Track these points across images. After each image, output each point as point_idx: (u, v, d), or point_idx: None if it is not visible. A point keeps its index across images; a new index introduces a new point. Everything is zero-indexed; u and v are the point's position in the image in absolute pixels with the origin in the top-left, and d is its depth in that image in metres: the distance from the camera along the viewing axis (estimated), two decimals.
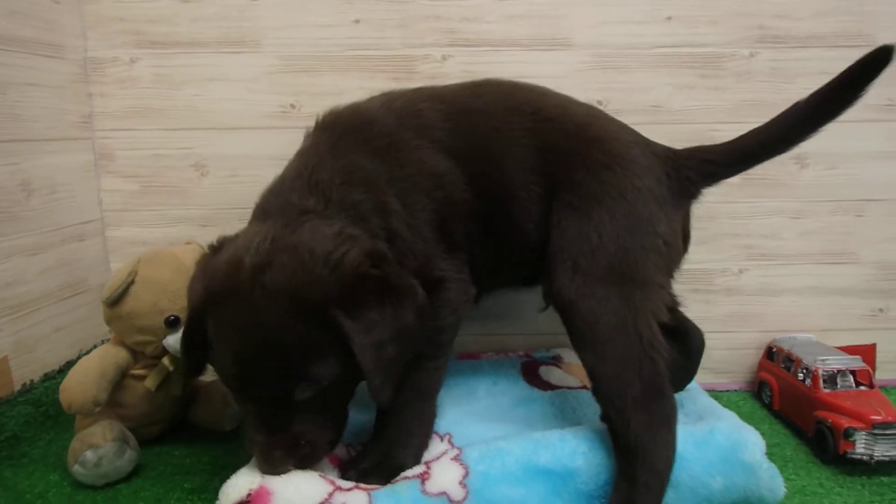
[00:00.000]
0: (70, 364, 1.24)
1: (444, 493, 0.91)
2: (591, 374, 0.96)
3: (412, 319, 0.88)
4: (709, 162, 1.04)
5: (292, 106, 1.38)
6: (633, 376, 0.91)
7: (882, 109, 1.40)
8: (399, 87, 1.34)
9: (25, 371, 1.21)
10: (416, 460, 0.99)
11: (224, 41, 1.36)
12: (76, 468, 1.03)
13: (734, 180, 1.37)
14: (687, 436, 0.95)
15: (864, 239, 1.44)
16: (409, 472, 0.97)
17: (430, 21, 1.37)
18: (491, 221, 1.06)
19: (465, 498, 0.90)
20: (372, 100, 1.10)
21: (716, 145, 1.06)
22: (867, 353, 1.44)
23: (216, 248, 0.93)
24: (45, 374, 1.24)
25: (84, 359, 1.12)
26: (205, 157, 1.40)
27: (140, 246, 1.40)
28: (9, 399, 1.15)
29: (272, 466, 0.87)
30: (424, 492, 0.91)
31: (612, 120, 1.10)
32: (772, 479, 0.94)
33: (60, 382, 1.09)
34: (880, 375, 1.45)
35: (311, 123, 1.06)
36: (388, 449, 0.99)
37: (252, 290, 0.83)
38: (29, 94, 1.22)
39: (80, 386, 1.07)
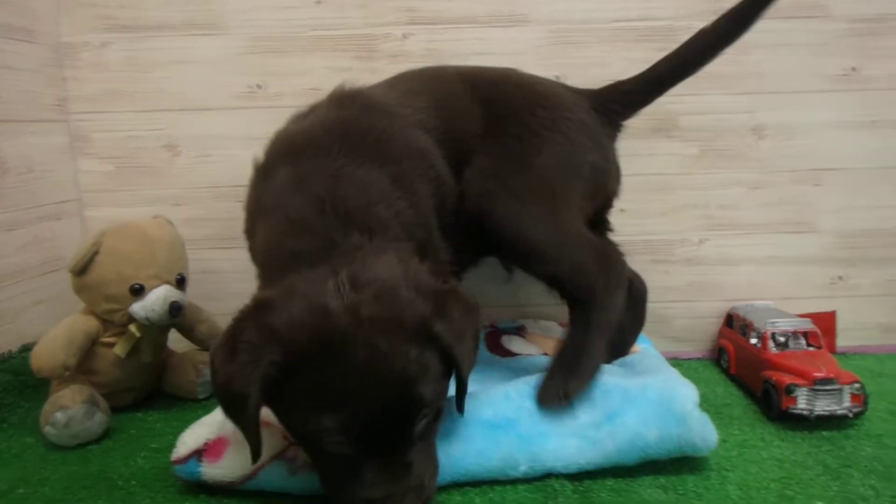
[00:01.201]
0: None
1: None
2: (553, 278, 1.13)
3: (479, 325, 0.98)
4: (629, 92, 1.23)
5: (259, 86, 1.47)
6: (587, 258, 1.12)
7: (839, 80, 1.48)
8: (362, 66, 1.44)
9: (4, 341, 1.31)
10: None
11: (191, 24, 1.46)
12: (47, 429, 1.12)
13: (693, 152, 1.45)
14: (623, 393, 1.05)
15: (823, 208, 1.52)
16: None
17: (390, 0, 1.45)
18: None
19: None
20: (338, 107, 1.08)
21: (632, 77, 1.24)
22: (827, 320, 1.53)
23: (264, 309, 0.85)
24: (24, 345, 1.35)
25: (54, 327, 1.22)
26: (176, 138, 1.50)
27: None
28: None
29: None
30: None
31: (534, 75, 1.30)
32: (703, 428, 1.01)
33: None
34: (841, 342, 1.54)
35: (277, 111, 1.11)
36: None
37: (356, 329, 0.81)
38: (4, 77, 1.32)
39: (49, 351, 1.17)
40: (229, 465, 0.96)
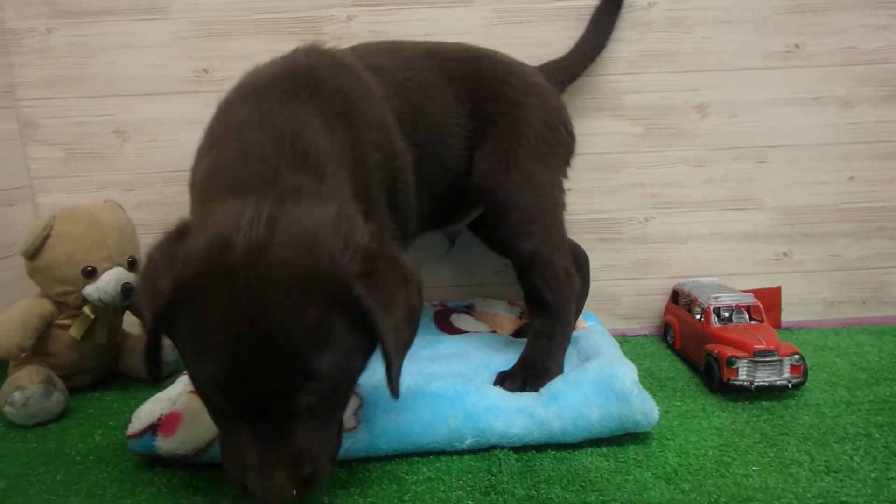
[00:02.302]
0: None
1: None
2: (530, 261, 1.17)
3: (419, 301, 0.85)
4: (570, 66, 1.39)
5: (205, 70, 1.44)
6: (563, 257, 1.20)
7: (781, 56, 1.46)
8: None
9: None
10: None
11: (135, 8, 1.42)
12: (6, 409, 1.13)
13: (638, 130, 1.47)
14: (567, 379, 1.06)
15: (767, 185, 1.50)
16: None
17: None
18: (422, 166, 1.13)
19: (355, 427, 0.98)
20: (307, 55, 1.05)
21: (567, 55, 1.40)
22: (772, 295, 1.51)
23: (178, 235, 0.79)
24: None
25: (9, 310, 1.21)
26: (125, 124, 1.46)
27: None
28: None
29: (274, 492, 0.74)
30: None
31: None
32: (644, 404, 1.01)
33: None
34: (786, 318, 1.53)
35: (237, 83, 1.01)
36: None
37: (252, 272, 0.72)
38: None
39: (5, 333, 1.18)
40: (183, 439, 0.97)
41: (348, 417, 0.98)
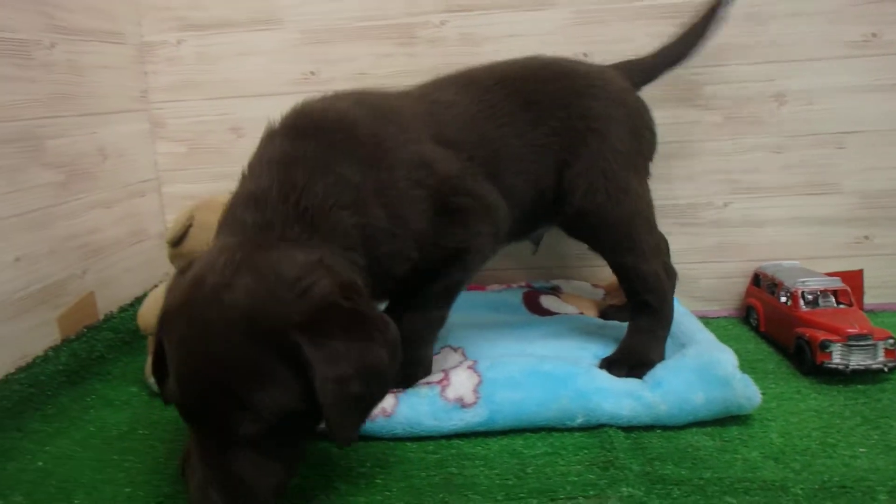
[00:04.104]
0: (139, 299, 1.43)
1: (459, 399, 1.02)
2: (634, 276, 1.20)
3: (383, 357, 0.81)
4: (649, 68, 1.38)
5: (312, 73, 1.54)
6: (659, 260, 1.23)
7: (859, 46, 1.43)
8: (403, 51, 1.51)
9: (106, 304, 1.41)
10: (428, 370, 1.09)
11: (252, 20, 1.52)
12: (152, 380, 1.20)
13: (716, 119, 1.54)
14: (668, 366, 1.09)
15: (846, 170, 1.48)
16: (430, 378, 1.08)
17: None
18: (505, 192, 1.14)
19: (475, 402, 1.01)
20: (341, 99, 1.07)
21: (647, 56, 1.38)
22: (854, 278, 1.48)
23: (184, 270, 0.86)
24: (121, 307, 1.44)
25: (155, 290, 1.30)
26: (240, 121, 1.57)
27: (189, 200, 1.55)
28: (96, 326, 1.35)
29: None
30: (443, 397, 1.02)
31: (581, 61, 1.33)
32: (746, 388, 1.01)
33: (133, 313, 1.31)
34: (868, 300, 1.49)
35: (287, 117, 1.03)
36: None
37: (209, 307, 0.77)
38: (101, 75, 1.41)
39: (153, 311, 1.23)
40: None
41: (469, 394, 1.02)
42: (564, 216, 1.20)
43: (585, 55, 1.49)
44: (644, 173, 1.26)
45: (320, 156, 0.94)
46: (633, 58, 1.37)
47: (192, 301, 0.79)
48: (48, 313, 1.26)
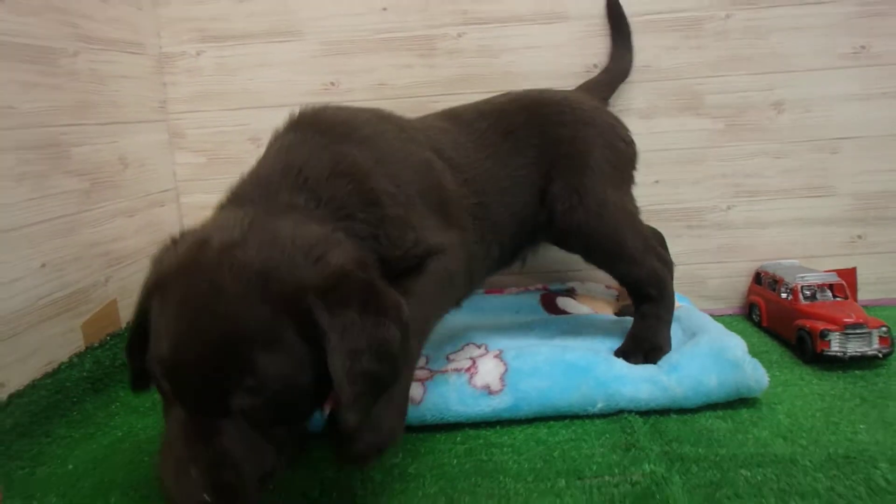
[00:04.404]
0: None
1: (486, 386, 1.09)
2: (631, 280, 1.28)
3: (395, 335, 0.77)
4: (607, 85, 1.53)
5: (332, 83, 1.60)
6: (652, 255, 1.29)
7: (850, 57, 1.54)
8: (422, 62, 1.58)
9: (127, 312, 1.43)
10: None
11: (272, 32, 1.58)
12: None
13: (719, 127, 1.62)
14: (683, 352, 1.16)
15: (841, 173, 1.58)
16: (459, 366, 1.15)
17: (446, 4, 1.56)
18: (489, 217, 1.18)
19: (501, 389, 1.08)
20: (344, 105, 1.13)
21: (602, 74, 1.55)
22: (848, 275, 1.58)
23: (177, 240, 0.83)
24: None
25: None
26: (259, 132, 1.62)
27: (208, 210, 1.70)
28: (118, 334, 1.38)
29: (182, 489, 0.69)
30: (471, 384, 1.09)
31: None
32: (755, 371, 1.10)
33: None
34: (861, 296, 1.59)
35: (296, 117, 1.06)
36: (377, 424, 0.82)
37: (218, 265, 0.73)
38: (123, 85, 1.46)
39: None
40: None
41: (496, 381, 1.09)
42: (552, 236, 1.29)
43: (596, 66, 1.56)
44: (623, 183, 1.32)
45: (321, 139, 0.97)
46: (592, 77, 1.53)
47: (197, 260, 0.75)
48: (73, 320, 1.30)
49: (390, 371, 0.78)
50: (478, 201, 1.15)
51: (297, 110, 1.05)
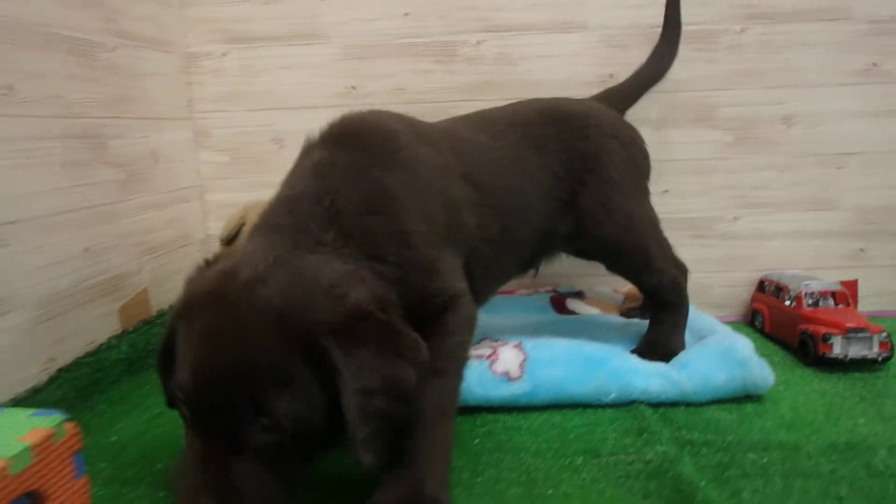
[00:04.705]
0: None
1: (506, 374, 1.16)
2: (653, 288, 1.34)
3: (410, 376, 0.79)
4: (628, 97, 1.52)
5: (353, 87, 1.67)
6: (673, 264, 1.35)
7: (861, 74, 1.62)
8: (442, 68, 1.65)
9: (157, 301, 1.52)
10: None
11: (296, 35, 1.66)
12: None
13: (729, 139, 1.68)
14: (692, 351, 1.24)
15: (845, 188, 1.66)
16: (480, 352, 1.21)
17: (466, 11, 1.64)
18: (511, 233, 1.19)
19: (520, 377, 1.16)
20: (379, 113, 1.10)
21: (623, 84, 1.54)
22: (850, 287, 1.62)
23: (210, 263, 0.86)
24: (171, 305, 1.50)
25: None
26: (282, 133, 1.70)
27: (231, 208, 1.66)
28: (149, 321, 1.46)
29: None
30: (492, 370, 1.17)
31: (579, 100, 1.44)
32: (762, 369, 1.17)
33: None
34: (861, 307, 1.64)
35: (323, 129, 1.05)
36: (419, 477, 0.84)
37: (239, 300, 0.76)
38: (154, 82, 1.53)
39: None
40: None
41: (515, 369, 1.17)
42: (574, 248, 1.34)
43: (611, 76, 1.61)
44: (645, 194, 1.39)
45: (355, 162, 0.95)
46: (612, 86, 1.54)
47: (222, 292, 0.77)
48: (110, 304, 1.39)
49: (400, 411, 0.80)
50: (502, 225, 1.16)
51: (333, 121, 1.05)
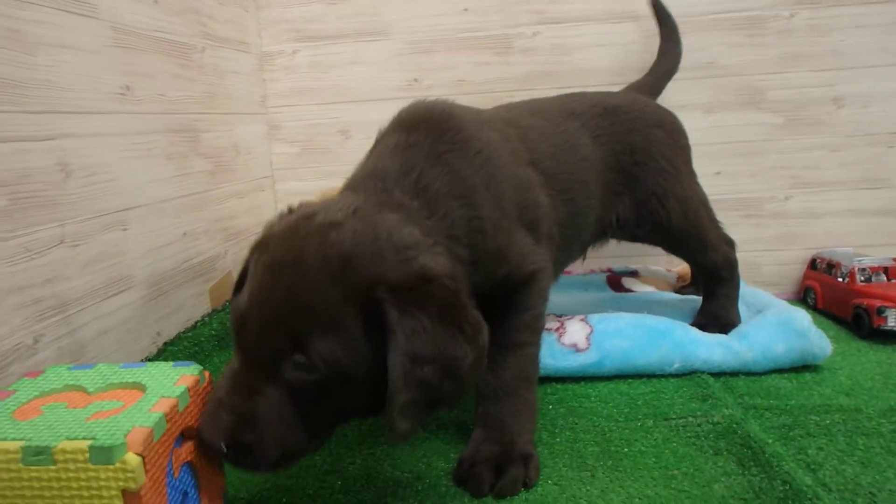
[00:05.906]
0: None
1: (574, 345, 1.22)
2: (709, 265, 1.37)
3: (466, 353, 0.75)
4: (654, 86, 1.56)
5: (415, 80, 1.75)
6: (724, 242, 1.40)
7: None
8: (499, 60, 1.71)
9: None
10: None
11: (362, 32, 1.74)
12: None
13: (779, 121, 1.72)
14: (751, 323, 1.27)
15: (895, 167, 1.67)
16: (547, 325, 1.24)
17: (522, 4, 1.69)
18: (575, 219, 1.21)
19: (587, 348, 1.21)
20: (446, 102, 1.09)
21: (650, 73, 1.58)
22: None
23: (292, 210, 0.87)
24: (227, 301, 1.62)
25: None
26: (348, 124, 1.78)
27: (300, 196, 1.77)
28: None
29: (208, 427, 0.73)
30: (560, 342, 1.22)
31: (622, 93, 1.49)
32: (820, 339, 1.21)
33: None
34: None
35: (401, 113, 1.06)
36: (509, 436, 0.89)
37: (310, 239, 0.76)
38: (235, 80, 1.63)
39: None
40: None
41: (582, 340, 1.22)
42: (633, 236, 1.38)
43: None
44: (692, 175, 1.41)
45: (432, 147, 0.95)
46: (641, 78, 1.58)
47: (297, 230, 0.78)
48: (203, 285, 1.49)
49: (450, 388, 0.75)
50: (568, 211, 1.17)
51: (403, 108, 1.07)
